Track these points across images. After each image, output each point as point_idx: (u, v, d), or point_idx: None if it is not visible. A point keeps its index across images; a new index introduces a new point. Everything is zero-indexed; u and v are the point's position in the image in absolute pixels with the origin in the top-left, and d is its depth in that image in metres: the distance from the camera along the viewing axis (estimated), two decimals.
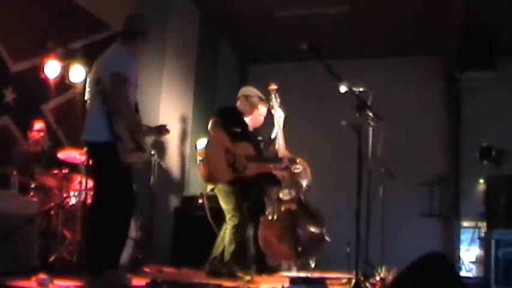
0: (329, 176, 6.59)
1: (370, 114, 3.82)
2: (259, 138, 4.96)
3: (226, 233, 4.47)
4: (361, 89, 3.81)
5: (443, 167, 7.51)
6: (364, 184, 3.70)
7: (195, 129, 6.74)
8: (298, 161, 4.79)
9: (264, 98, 4.83)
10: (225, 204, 4.47)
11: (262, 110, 4.92)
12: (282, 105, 4.88)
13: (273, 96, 4.92)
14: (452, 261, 5.69)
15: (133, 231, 4.62)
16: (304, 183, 4.85)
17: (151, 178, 5.34)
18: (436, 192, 7.46)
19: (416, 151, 7.41)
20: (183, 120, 6.75)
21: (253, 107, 4.75)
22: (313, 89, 7.37)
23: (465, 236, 6.65)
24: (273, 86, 4.93)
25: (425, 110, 7.62)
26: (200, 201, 5.76)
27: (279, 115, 4.90)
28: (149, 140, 5.47)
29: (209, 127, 4.50)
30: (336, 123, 4.41)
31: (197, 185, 6.16)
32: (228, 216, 4.46)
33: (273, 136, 4.92)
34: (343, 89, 3.72)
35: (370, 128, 4.02)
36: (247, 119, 4.85)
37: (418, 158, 7.38)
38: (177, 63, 6.62)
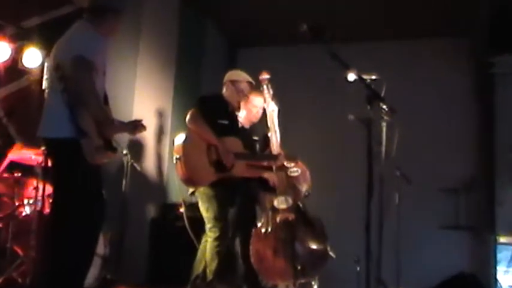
0: (333, 181, 6.62)
1: (384, 106, 3.75)
2: (255, 138, 5.00)
3: (206, 247, 4.50)
4: (373, 77, 3.81)
5: (472, 169, 7.39)
6: (376, 190, 3.65)
7: (175, 124, 6.75)
8: (297, 163, 4.86)
9: (254, 83, 4.87)
10: (205, 211, 4.51)
11: (256, 100, 4.96)
12: (276, 96, 4.93)
13: (264, 87, 4.97)
14: (486, 284, 5.69)
15: (101, 247, 4.61)
16: (303, 188, 4.90)
17: (124, 183, 5.35)
18: (464, 200, 7.33)
19: (438, 150, 7.36)
20: (162, 114, 6.76)
21: (242, 94, 4.80)
22: (313, 77, 7.37)
23: (503, 255, 6.55)
24: (265, 75, 4.97)
25: (449, 101, 7.52)
26: (182, 210, 5.71)
27: (271, 109, 4.95)
28: (121, 137, 5.44)
29: (187, 119, 4.51)
30: (342, 118, 4.42)
31: (178, 190, 6.14)
32: (208, 226, 4.50)
33: (269, 134, 4.97)
34: (351, 77, 3.71)
35: (383, 124, 3.90)
36: (240, 113, 4.90)
37: (441, 159, 7.32)
38: (155, 48, 6.63)
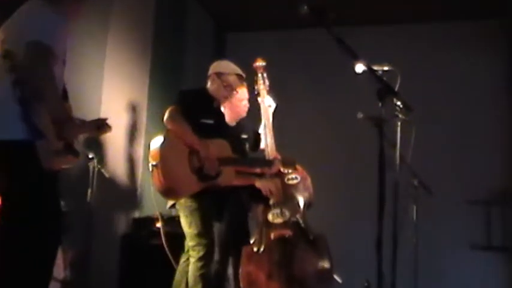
0: (338, 189, 6.64)
1: (398, 103, 3.79)
2: (244, 136, 5.08)
3: (189, 268, 4.50)
4: (386, 68, 3.85)
5: (507, 178, 7.33)
6: (389, 202, 3.63)
7: (151, 122, 6.77)
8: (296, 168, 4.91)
9: (244, 76, 4.90)
10: (187, 227, 4.51)
11: (240, 92, 5.02)
12: (272, 90, 5.03)
13: (259, 76, 5.06)
14: None
15: (60, 270, 4.59)
16: (303, 199, 4.93)
17: (89, 192, 5.36)
18: (496, 214, 7.27)
19: (465, 155, 7.32)
20: (135, 110, 6.76)
21: (229, 89, 4.81)
22: (315, 68, 7.42)
23: None
24: (260, 63, 5.03)
25: (479, 95, 7.48)
26: (158, 224, 5.76)
27: (268, 104, 5.05)
28: (86, 139, 5.47)
29: (165, 118, 4.49)
30: (349, 116, 4.47)
31: (155, 202, 6.16)
32: (190, 244, 4.50)
33: (261, 131, 5.09)
34: (359, 68, 3.73)
35: (398, 123, 3.96)
36: (225, 109, 4.92)
37: (469, 165, 7.29)
38: (127, 31, 6.64)
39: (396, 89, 3.80)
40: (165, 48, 7.28)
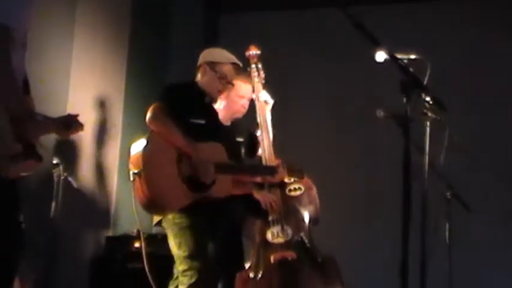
0: (352, 203, 6.58)
1: (427, 98, 3.75)
2: (240, 139, 5.09)
3: None
4: (413, 57, 3.81)
5: None
6: (416, 218, 3.56)
7: (128, 123, 6.79)
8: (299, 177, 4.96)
9: (242, 65, 4.91)
10: (176, 248, 4.48)
11: (243, 88, 5.06)
12: (270, 82, 5.05)
13: (253, 67, 5.09)
14: None
15: None
16: (308, 213, 4.95)
17: (53, 205, 5.37)
18: None
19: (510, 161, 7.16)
20: (109, 107, 6.77)
21: (224, 81, 4.80)
22: (325, 55, 7.34)
23: None
24: (254, 51, 5.08)
25: None
26: (137, 244, 5.80)
27: (264, 99, 5.09)
28: (49, 140, 5.47)
29: (148, 118, 4.48)
30: (367, 114, 4.43)
31: (136, 217, 6.17)
32: (180, 268, 4.45)
33: (258, 133, 5.10)
34: (381, 56, 3.65)
35: (427, 123, 4.02)
36: (219, 105, 4.96)
37: None
38: (100, 12, 6.64)
39: (425, 81, 3.78)
40: (145, 33, 7.29)
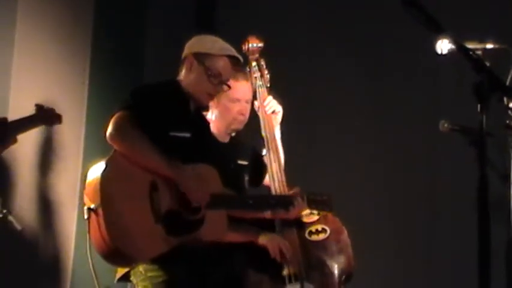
0: (403, 253, 6.29)
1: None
2: (242, 162, 4.90)
3: None
4: (490, 46, 3.91)
5: None
6: (498, 271, 3.22)
7: (93, 142, 6.46)
8: (322, 215, 4.75)
9: (242, 60, 4.63)
10: None
11: (238, 88, 4.81)
12: (274, 88, 4.99)
13: (254, 65, 5.03)
14: None
15: None
16: (337, 266, 4.74)
17: None
18: None
19: None
20: (66, 122, 6.27)
21: (217, 80, 4.49)
22: (361, 43, 6.93)
23: None
24: (255, 43, 5.01)
25: None
26: None
27: (270, 111, 4.96)
28: None
29: (108, 132, 4.24)
30: (424, 126, 4.52)
31: (93, 271, 5.40)
32: None
33: (264, 152, 4.98)
34: (444, 46, 3.82)
35: None
36: (210, 115, 4.83)
37: None
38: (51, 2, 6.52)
39: (509, 81, 3.86)
40: (115, 25, 7.14)
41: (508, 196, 3.87)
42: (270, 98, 4.98)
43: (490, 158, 3.15)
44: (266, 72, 5.04)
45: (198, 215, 4.26)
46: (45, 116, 4.07)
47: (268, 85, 5.04)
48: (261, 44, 5.05)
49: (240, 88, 4.82)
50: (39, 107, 3.94)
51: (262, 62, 5.04)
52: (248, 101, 4.91)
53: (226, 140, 4.91)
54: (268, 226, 4.72)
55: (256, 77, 4.99)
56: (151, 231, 4.17)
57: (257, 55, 5.04)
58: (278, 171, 4.85)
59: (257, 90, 4.97)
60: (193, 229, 4.25)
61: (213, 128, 4.82)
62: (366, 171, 6.62)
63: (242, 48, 5.02)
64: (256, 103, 4.99)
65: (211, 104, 4.79)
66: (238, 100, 4.84)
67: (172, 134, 4.35)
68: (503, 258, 3.82)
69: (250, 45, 5.03)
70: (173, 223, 4.21)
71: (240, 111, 4.86)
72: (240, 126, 4.93)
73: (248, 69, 5.02)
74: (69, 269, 6.38)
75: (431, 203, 6.31)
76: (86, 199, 4.22)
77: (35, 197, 6.24)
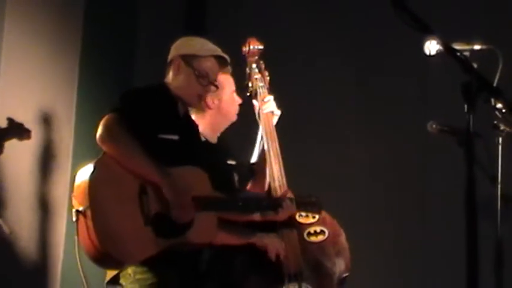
0: (394, 250, 6.36)
1: (499, 105, 3.52)
2: (231, 162, 4.92)
3: None
4: (478, 47, 3.93)
5: None
6: (486, 274, 3.30)
7: (82, 146, 6.50)
8: (320, 217, 4.74)
9: (228, 60, 4.66)
10: None
11: (231, 79, 4.94)
12: (276, 87, 5.00)
13: (254, 67, 5.02)
14: None
15: None
16: (337, 267, 4.76)
17: None
18: None
19: None
20: (55, 125, 6.52)
21: (206, 81, 4.56)
22: (353, 45, 6.98)
23: None
24: (255, 45, 5.01)
25: None
26: None
27: (269, 109, 4.96)
28: None
29: (98, 134, 4.28)
30: (414, 128, 4.49)
31: (81, 273, 5.43)
32: None
33: (255, 155, 5.01)
34: (432, 47, 3.85)
35: (499, 140, 4.02)
36: (200, 116, 4.82)
37: None
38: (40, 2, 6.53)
39: (496, 82, 3.84)
40: (104, 26, 7.14)
41: (495, 193, 3.93)
42: (271, 97, 5.03)
43: (478, 158, 3.23)
44: (266, 74, 5.09)
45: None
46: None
47: (268, 85, 5.09)
48: (261, 46, 5.08)
49: (231, 80, 4.95)
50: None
51: (262, 64, 5.10)
52: (232, 93, 5.03)
53: (214, 140, 4.97)
54: (269, 226, 4.74)
55: (256, 78, 5.04)
56: (140, 234, 4.22)
57: (257, 57, 5.09)
58: (278, 171, 4.88)
59: (258, 92, 5.02)
60: (182, 232, 4.29)
61: (207, 128, 4.89)
62: (355, 172, 6.72)
63: (242, 50, 5.10)
64: (255, 102, 5.06)
65: (211, 104, 4.87)
66: (234, 91, 4.97)
67: (161, 136, 4.41)
68: (491, 258, 3.81)
69: (250, 47, 5.07)
70: (162, 226, 4.25)
71: (231, 115, 4.99)
72: (228, 123, 5.04)
73: (248, 71, 5.06)
74: (58, 271, 6.42)
75: (421, 202, 6.35)
76: (74, 201, 4.26)
77: (23, 200, 6.26)
